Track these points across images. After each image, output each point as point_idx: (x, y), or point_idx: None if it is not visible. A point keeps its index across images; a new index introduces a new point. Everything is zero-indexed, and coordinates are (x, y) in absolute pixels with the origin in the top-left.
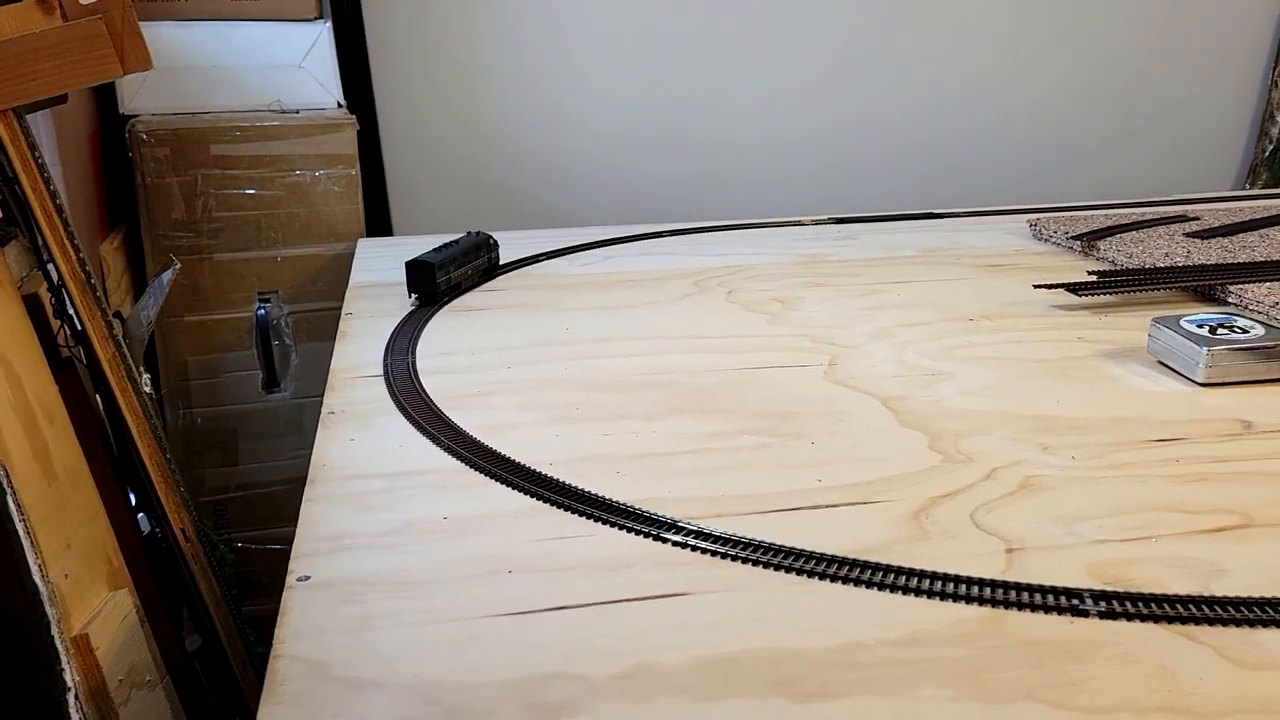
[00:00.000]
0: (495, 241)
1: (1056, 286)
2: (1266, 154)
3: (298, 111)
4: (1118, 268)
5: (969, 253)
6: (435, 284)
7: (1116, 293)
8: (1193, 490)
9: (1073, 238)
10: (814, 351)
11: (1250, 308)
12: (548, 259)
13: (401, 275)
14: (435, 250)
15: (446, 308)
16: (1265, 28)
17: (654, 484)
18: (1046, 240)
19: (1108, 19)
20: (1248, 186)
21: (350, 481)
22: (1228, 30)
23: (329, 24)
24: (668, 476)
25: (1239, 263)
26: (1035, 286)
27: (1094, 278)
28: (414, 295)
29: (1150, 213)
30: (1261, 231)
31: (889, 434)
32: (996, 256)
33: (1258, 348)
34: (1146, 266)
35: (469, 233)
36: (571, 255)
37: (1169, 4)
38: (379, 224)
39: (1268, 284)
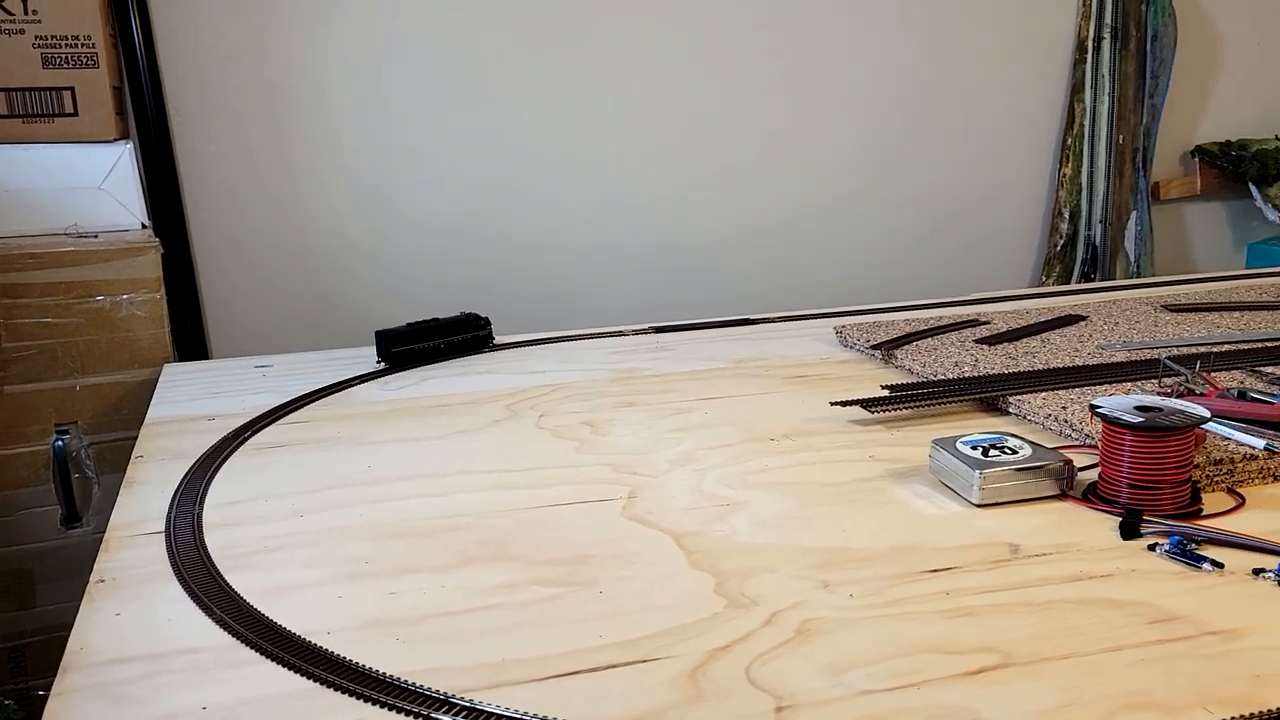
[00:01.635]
0: (485, 320)
1: (851, 403)
2: (1058, 248)
3: (96, 235)
4: (914, 377)
5: (778, 363)
6: (389, 351)
7: (907, 407)
8: (959, 627)
9: (872, 347)
10: (615, 483)
11: (1028, 418)
12: (360, 383)
13: (205, 406)
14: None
15: (247, 445)
16: (1049, 131)
17: (435, 651)
18: (851, 347)
19: (904, 124)
20: (1044, 279)
21: (108, 668)
22: (1017, 133)
23: (131, 145)
24: (452, 640)
25: (1018, 372)
26: (831, 404)
27: (886, 392)
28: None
29: (948, 315)
30: (1043, 336)
31: (678, 577)
32: (803, 366)
33: (1026, 468)
34: (937, 378)
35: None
36: (386, 378)
37: (961, 110)
38: (194, 347)
39: (1043, 394)
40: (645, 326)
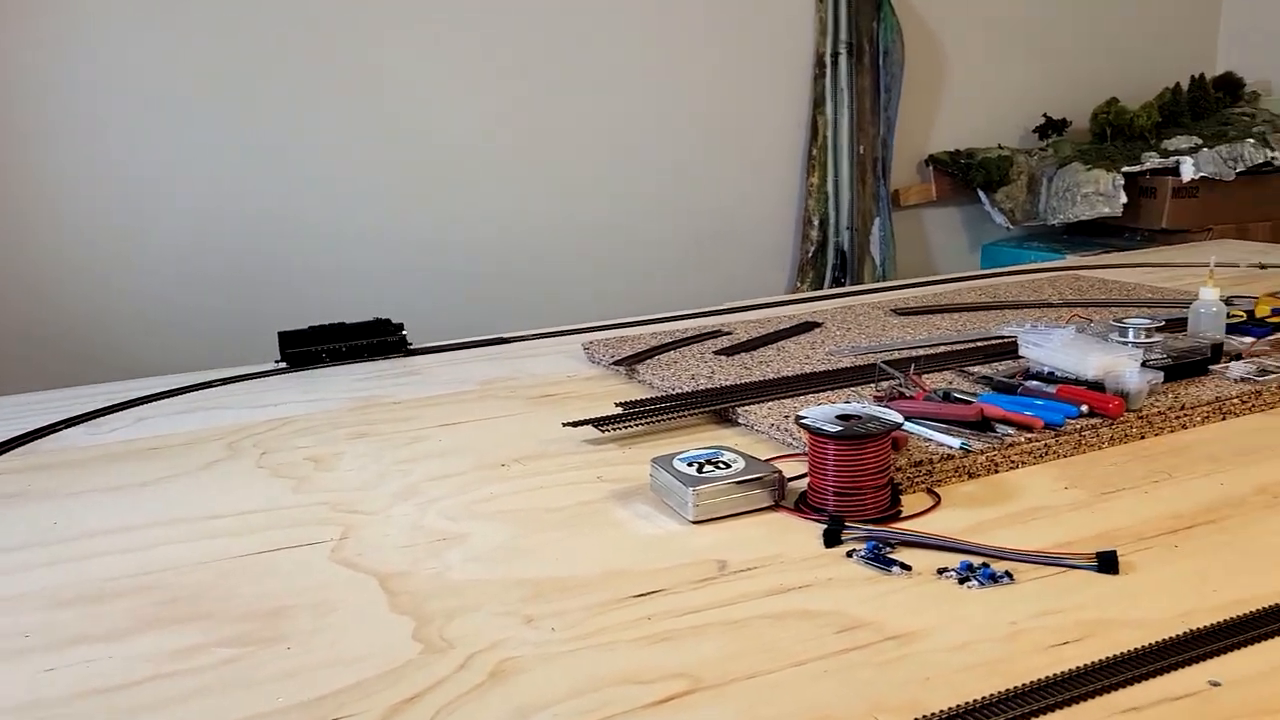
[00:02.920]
0: (398, 325)
1: (583, 423)
2: (810, 255)
3: None
4: (655, 391)
5: (526, 382)
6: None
7: (639, 424)
8: (655, 653)
9: (614, 363)
10: (329, 524)
11: (755, 428)
12: (67, 427)
13: None
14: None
15: None
16: (796, 143)
17: None
18: (598, 364)
19: (657, 139)
20: (798, 285)
21: None
22: (767, 145)
23: None
24: None
25: (749, 382)
26: (564, 425)
27: (619, 410)
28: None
29: (695, 327)
30: (779, 344)
31: (376, 624)
32: (550, 385)
33: (739, 482)
34: (675, 391)
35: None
36: (98, 420)
37: (711, 124)
38: None
39: (769, 404)
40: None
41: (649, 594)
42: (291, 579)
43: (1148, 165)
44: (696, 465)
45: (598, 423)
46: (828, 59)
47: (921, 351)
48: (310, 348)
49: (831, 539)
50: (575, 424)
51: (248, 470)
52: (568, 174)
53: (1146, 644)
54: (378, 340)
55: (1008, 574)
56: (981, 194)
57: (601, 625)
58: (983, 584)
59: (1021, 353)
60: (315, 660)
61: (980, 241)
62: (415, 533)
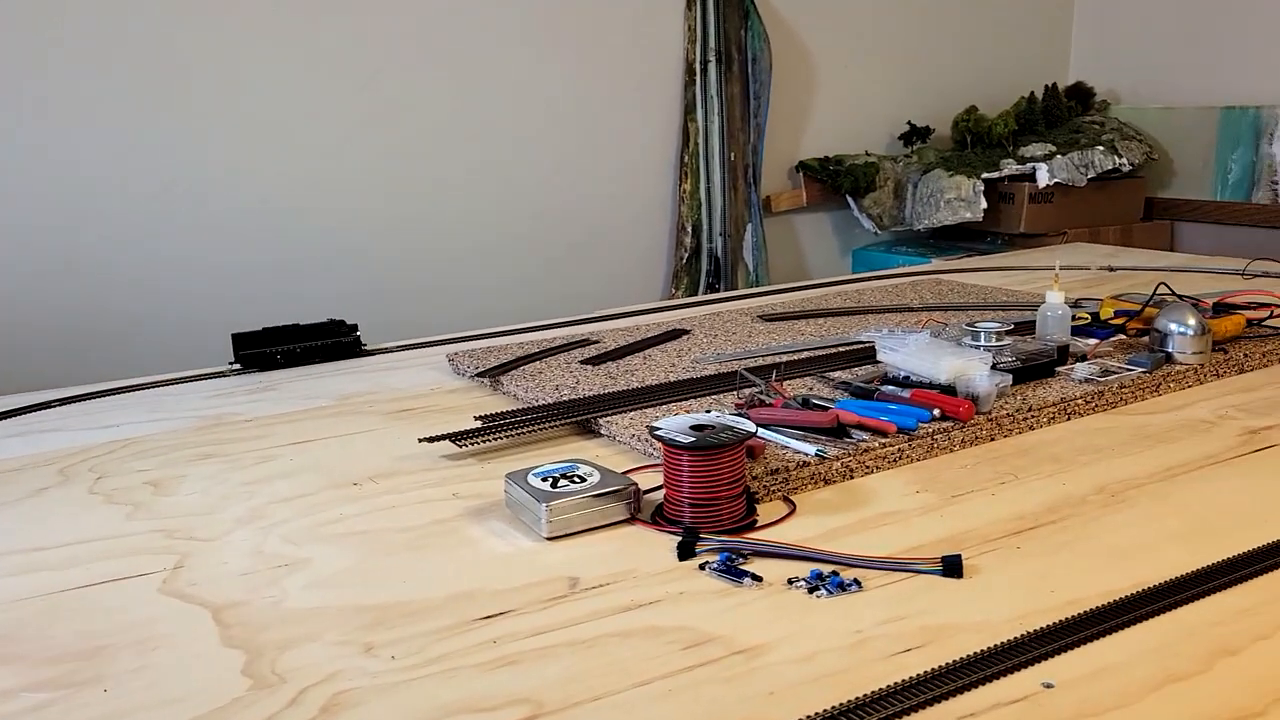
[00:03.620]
0: (352, 326)
1: (440, 439)
2: (684, 261)
3: None
4: (519, 403)
5: (386, 396)
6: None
7: (499, 438)
8: (498, 679)
9: (477, 374)
10: (164, 553)
11: (617, 439)
12: None
13: None
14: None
15: None
16: (669, 150)
17: None
18: (463, 375)
19: (529, 146)
20: (674, 291)
21: None
22: (640, 152)
23: None
24: None
25: (613, 392)
26: (420, 440)
27: (478, 424)
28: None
29: (563, 336)
30: (646, 353)
31: (204, 660)
32: (411, 399)
33: (593, 495)
34: (539, 403)
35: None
36: None
37: (584, 131)
38: None
39: (631, 414)
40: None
41: (496, 616)
42: (116, 614)
43: (1006, 172)
44: (551, 480)
45: (455, 438)
46: (697, 66)
47: (785, 357)
48: (265, 349)
49: (685, 552)
50: (432, 439)
51: (79, 498)
52: (435, 181)
53: (985, 648)
54: (332, 341)
55: (856, 581)
56: (850, 200)
57: (444, 651)
58: (831, 593)
59: (879, 357)
60: (133, 703)
61: (851, 246)
62: (255, 559)
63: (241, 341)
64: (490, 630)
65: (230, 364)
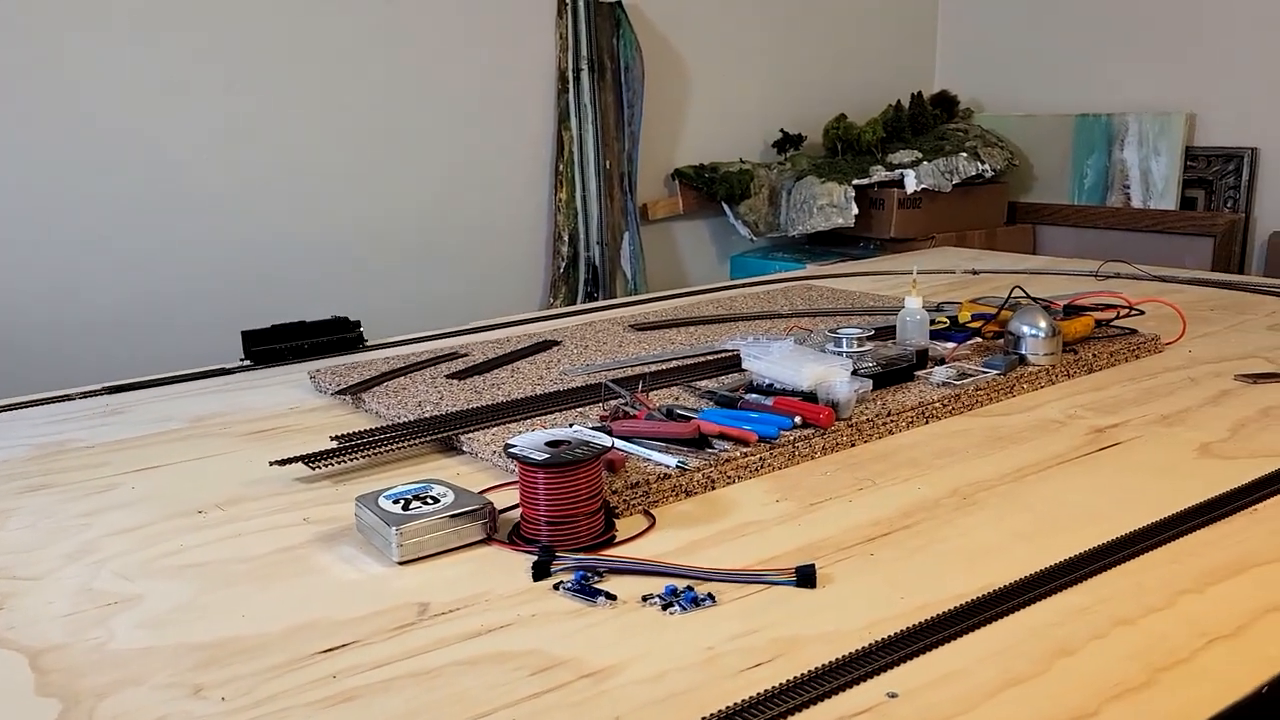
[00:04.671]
0: (356, 323)
1: (292, 461)
2: (562, 270)
3: None
4: (382, 420)
5: (243, 416)
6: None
7: (356, 458)
8: (332, 717)
9: (337, 391)
10: None
11: (479, 455)
12: None
13: None
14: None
15: None
16: (544, 159)
17: None
18: (325, 393)
19: (400, 156)
20: (552, 301)
21: None
22: (515, 161)
23: None
24: None
25: (476, 407)
26: (271, 463)
27: (334, 444)
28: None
29: (431, 350)
30: (514, 365)
31: (14, 713)
32: (269, 419)
33: (447, 516)
34: (401, 420)
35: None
36: None
37: (456, 140)
38: None
39: (494, 430)
40: (98, 387)
41: (337, 648)
42: None
43: (876, 179)
44: (403, 502)
45: (308, 460)
46: (570, 75)
47: (654, 367)
48: (274, 345)
49: (541, 571)
50: (283, 462)
51: None
52: (304, 193)
53: (833, 659)
54: (337, 337)
55: (710, 596)
56: (726, 207)
57: (278, 690)
58: (685, 609)
59: (744, 365)
60: None
61: (729, 253)
62: (81, 598)
63: (251, 339)
64: (330, 664)
65: (240, 360)
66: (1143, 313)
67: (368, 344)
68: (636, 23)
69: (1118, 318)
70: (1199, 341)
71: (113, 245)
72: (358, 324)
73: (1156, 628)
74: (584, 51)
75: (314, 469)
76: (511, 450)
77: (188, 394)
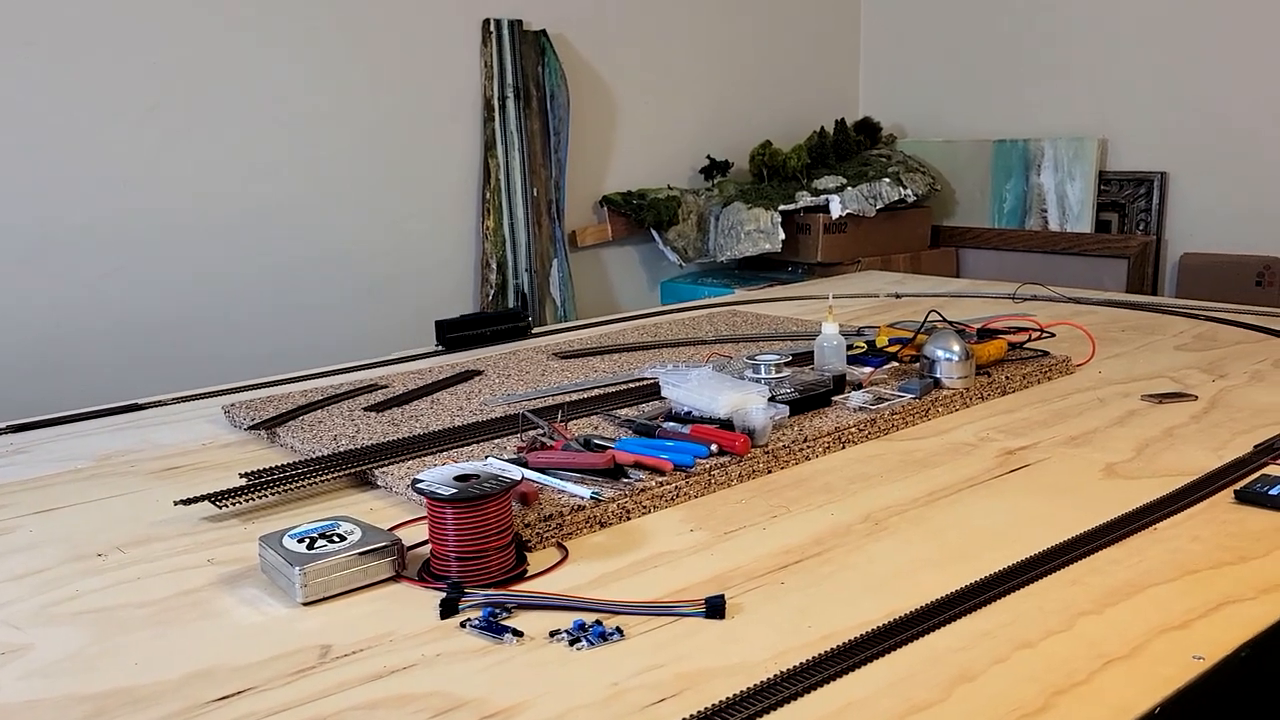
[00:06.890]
0: (526, 313)
1: (198, 500)
2: (490, 298)
3: None
4: (297, 455)
5: (152, 454)
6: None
7: (266, 495)
8: None
9: (251, 426)
10: None
11: (393, 489)
12: None
13: None
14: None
15: None
16: (471, 187)
17: None
18: (239, 428)
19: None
20: None
21: None
22: (441, 189)
23: None
24: None
25: (392, 440)
26: (175, 503)
27: (243, 481)
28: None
29: (350, 382)
30: (434, 396)
31: None
32: (179, 456)
33: (353, 555)
34: (316, 455)
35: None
36: None
37: (380, 168)
38: None
39: (409, 463)
40: (1, 425)
41: (234, 695)
42: None
43: (801, 204)
44: (308, 540)
45: (215, 498)
46: (496, 102)
47: (575, 396)
48: (464, 333)
49: (449, 609)
50: (189, 501)
51: None
52: (223, 224)
53: (738, 692)
54: (511, 326)
55: (619, 630)
56: (654, 233)
57: None
58: (593, 643)
59: (663, 393)
60: None
61: (659, 278)
62: None
63: (444, 328)
64: (225, 712)
65: (435, 346)
66: (1054, 335)
67: (292, 378)
68: (562, 51)
69: (1030, 340)
70: (1109, 362)
71: (15, 283)
72: (527, 315)
73: (1056, 650)
74: (509, 79)
75: (221, 508)
76: (419, 485)
77: (96, 431)
